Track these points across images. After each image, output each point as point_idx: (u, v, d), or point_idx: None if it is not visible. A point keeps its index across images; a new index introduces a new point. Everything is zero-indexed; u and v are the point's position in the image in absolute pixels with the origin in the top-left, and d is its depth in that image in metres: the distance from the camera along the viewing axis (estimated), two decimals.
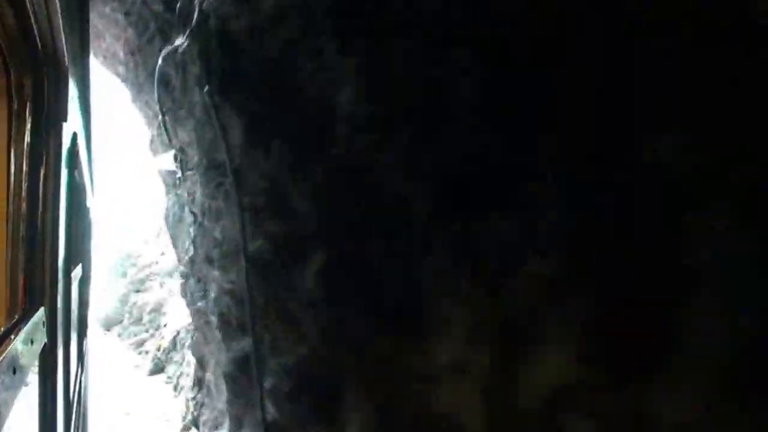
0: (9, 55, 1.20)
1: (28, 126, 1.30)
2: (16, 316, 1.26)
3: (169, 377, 11.49)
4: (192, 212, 5.94)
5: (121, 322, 18.70)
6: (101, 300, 20.14)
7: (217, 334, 5.31)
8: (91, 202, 4.60)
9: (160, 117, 5.39)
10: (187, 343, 10.89)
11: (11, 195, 1.28)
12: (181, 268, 6.64)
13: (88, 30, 2.46)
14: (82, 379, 3.68)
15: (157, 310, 14.95)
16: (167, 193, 7.46)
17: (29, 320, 1.23)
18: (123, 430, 9.14)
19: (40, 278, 1.40)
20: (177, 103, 5.08)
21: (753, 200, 2.60)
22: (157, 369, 12.31)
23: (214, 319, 5.14)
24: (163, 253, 16.98)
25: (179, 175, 5.81)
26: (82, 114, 2.36)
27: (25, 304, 1.31)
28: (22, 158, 1.29)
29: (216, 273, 5.05)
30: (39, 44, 1.28)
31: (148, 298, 16.46)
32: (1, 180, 1.27)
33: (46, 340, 1.43)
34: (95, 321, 20.10)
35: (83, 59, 2.35)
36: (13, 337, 1.08)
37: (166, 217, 7.64)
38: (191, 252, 6.14)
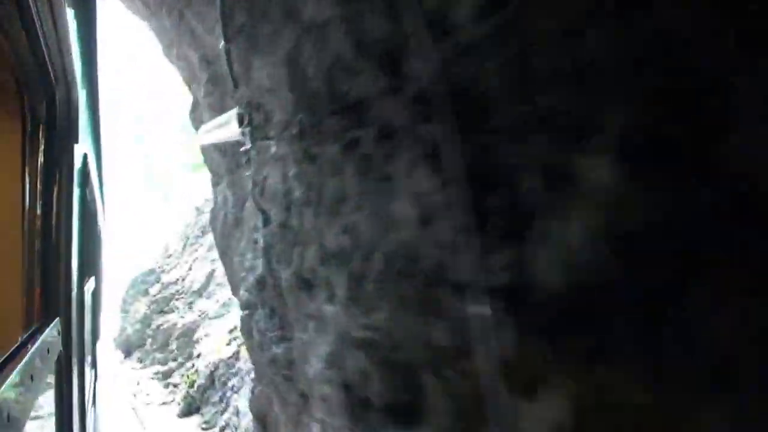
0: (22, 79, 1.29)
1: (42, 147, 1.40)
2: (33, 327, 1.33)
3: (206, 422, 9.32)
4: (261, 209, 3.78)
5: (142, 346, 16.64)
6: (119, 320, 18.21)
7: (319, 413, 3.13)
8: (101, 216, 4.71)
9: (222, 45, 3.22)
10: (230, 383, 8.73)
11: (26, 212, 1.37)
12: (243, 293, 4.43)
13: (96, 45, 2.26)
14: (96, 386, 3.75)
15: (187, 335, 12.83)
16: (216, 184, 5.30)
17: (45, 330, 1.28)
18: None
19: (55, 291, 1.48)
20: (258, 12, 2.91)
21: None
22: (190, 410, 10.15)
23: (325, 389, 2.93)
24: (190, 269, 14.90)
25: (247, 146, 3.63)
26: (92, 132, 2.51)
27: (41, 315, 1.40)
28: (36, 177, 1.39)
29: (329, 308, 2.86)
30: (50, 68, 1.34)
31: (175, 320, 14.37)
32: (16, 198, 1.35)
33: (61, 349, 1.48)
34: (112, 343, 18.12)
35: (92, 76, 2.34)
36: (30, 346, 1.12)
37: (213, 221, 5.47)
38: (260, 270, 3.98)
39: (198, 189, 16.63)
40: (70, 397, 1.62)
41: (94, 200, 3.08)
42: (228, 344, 10.76)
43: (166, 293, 15.21)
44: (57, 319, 1.44)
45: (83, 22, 1.89)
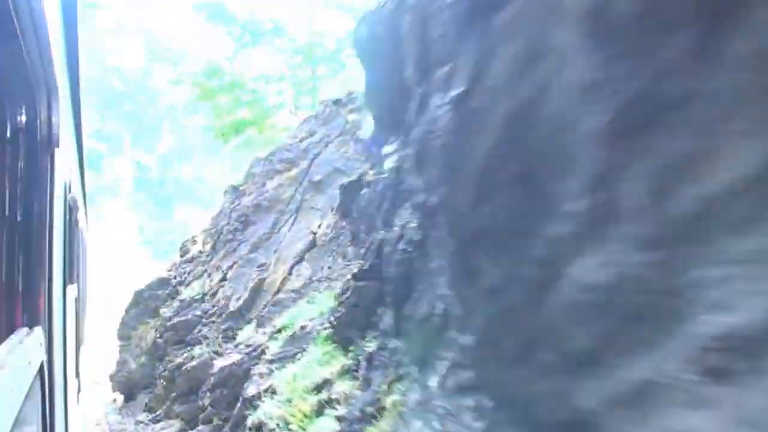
0: (1, 84, 1.30)
1: (22, 153, 1.39)
2: (14, 335, 1.29)
3: None
4: None
5: (149, 387, 12.12)
6: (117, 349, 13.76)
7: None
8: (84, 222, 4.87)
9: None
10: None
11: (7, 219, 1.36)
12: None
13: (78, 48, 2.29)
14: (80, 396, 3.71)
15: (228, 384, 8.32)
16: None
17: (27, 339, 1.27)
18: None
19: (37, 298, 1.45)
20: None
21: None
22: None
23: None
24: (224, 278, 10.37)
25: None
26: (74, 137, 2.52)
27: (22, 323, 1.38)
28: (17, 183, 1.38)
29: None
30: (30, 73, 1.33)
31: (204, 356, 9.85)
32: None
33: (44, 358, 1.46)
34: (107, 381, 13.64)
35: (75, 79, 2.34)
36: (11, 355, 1.09)
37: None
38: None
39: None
40: (53, 407, 1.59)
41: (77, 205, 3.26)
42: (317, 412, 6.31)
43: (188, 315, 10.67)
44: (39, 327, 1.42)
45: (66, 26, 1.87)
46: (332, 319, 7.40)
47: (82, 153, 3.37)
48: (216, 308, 10.37)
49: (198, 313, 10.54)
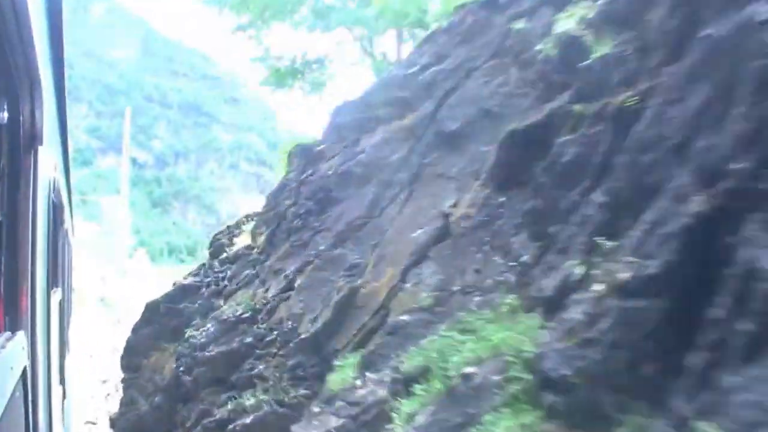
0: None
1: (4, 150, 1.37)
2: None
3: None
4: None
5: None
6: (119, 384, 10.27)
7: None
8: (69, 222, 4.55)
9: None
10: None
11: None
12: None
13: (63, 44, 2.19)
14: (65, 403, 3.55)
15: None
16: None
17: (9, 344, 1.23)
18: None
19: (19, 302, 1.41)
20: None
21: None
22: None
23: None
24: (291, 285, 6.82)
25: None
26: (59, 135, 2.46)
27: (4, 327, 1.35)
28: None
29: None
30: (12, 69, 1.30)
31: (256, 406, 6.34)
32: None
33: (26, 363, 1.43)
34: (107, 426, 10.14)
35: (59, 76, 2.30)
36: None
37: None
38: None
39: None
40: (36, 414, 1.56)
41: (62, 205, 3.10)
42: None
43: (232, 342, 7.12)
44: (22, 332, 1.39)
45: (50, 20, 1.79)
46: (548, 366, 3.91)
47: (67, 150, 3.23)
48: (277, 333, 6.82)
49: (248, 339, 6.99)
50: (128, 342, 9.56)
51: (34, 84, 1.43)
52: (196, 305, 8.10)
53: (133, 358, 9.43)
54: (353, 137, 6.96)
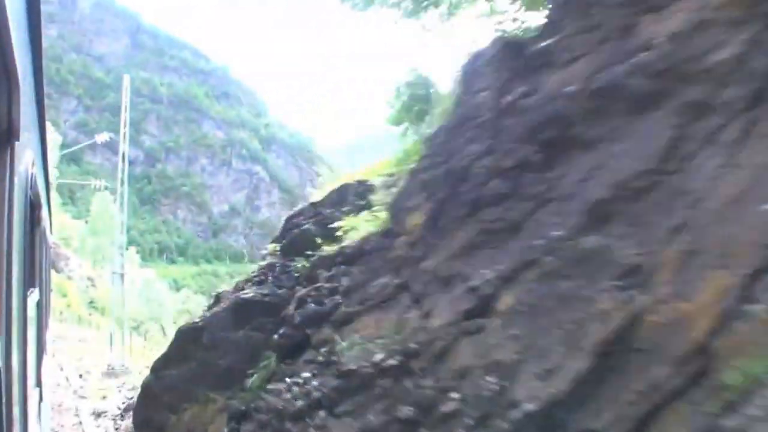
0: None
1: None
2: None
3: None
4: None
5: None
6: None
7: None
8: (47, 220, 4.39)
9: None
10: None
11: None
12: None
13: (41, 34, 2.11)
14: (41, 406, 3.48)
15: None
16: None
17: None
18: None
19: None
20: None
21: None
22: None
23: None
24: (484, 311, 3.58)
25: None
26: (36, 129, 2.36)
27: None
28: None
29: None
30: None
31: None
32: None
33: (1, 365, 1.39)
34: None
35: (36, 67, 2.21)
36: None
37: None
38: None
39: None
40: (10, 416, 1.51)
41: (39, 202, 3.01)
42: None
43: (372, 410, 3.82)
44: None
45: (28, 13, 1.77)
46: None
47: (45, 146, 3.14)
48: (461, 399, 3.52)
49: (401, 409, 3.68)
50: (142, 389, 6.18)
51: (10, 78, 1.37)
52: (277, 336, 4.75)
53: (154, 413, 6.07)
54: (621, 22, 3.67)
